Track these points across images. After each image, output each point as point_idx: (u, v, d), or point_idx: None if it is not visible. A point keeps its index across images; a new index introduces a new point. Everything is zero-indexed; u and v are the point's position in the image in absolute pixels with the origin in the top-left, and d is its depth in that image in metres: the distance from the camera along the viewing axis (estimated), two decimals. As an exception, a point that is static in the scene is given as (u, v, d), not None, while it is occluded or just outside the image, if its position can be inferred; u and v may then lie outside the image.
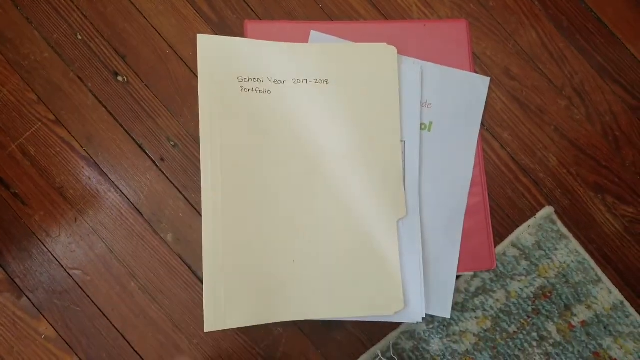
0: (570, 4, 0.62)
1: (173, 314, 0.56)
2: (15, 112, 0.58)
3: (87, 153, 0.58)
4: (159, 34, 0.59)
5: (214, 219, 0.53)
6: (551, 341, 0.58)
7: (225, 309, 0.51)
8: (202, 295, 0.53)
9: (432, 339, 0.58)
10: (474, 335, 0.58)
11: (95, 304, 0.56)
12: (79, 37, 0.59)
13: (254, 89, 0.56)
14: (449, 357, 0.58)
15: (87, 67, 0.59)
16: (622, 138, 0.61)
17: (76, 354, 0.55)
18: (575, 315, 0.59)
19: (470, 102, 0.60)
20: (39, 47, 0.59)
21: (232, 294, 0.52)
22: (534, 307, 0.59)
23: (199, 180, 0.55)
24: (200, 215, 0.54)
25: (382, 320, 0.55)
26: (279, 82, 0.56)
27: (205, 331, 0.51)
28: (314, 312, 0.53)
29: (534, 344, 0.58)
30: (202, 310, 0.52)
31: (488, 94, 0.60)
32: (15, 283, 0.56)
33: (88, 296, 0.56)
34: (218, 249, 0.52)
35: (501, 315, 0.59)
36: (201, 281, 0.56)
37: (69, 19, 0.59)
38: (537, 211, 0.60)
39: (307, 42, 0.58)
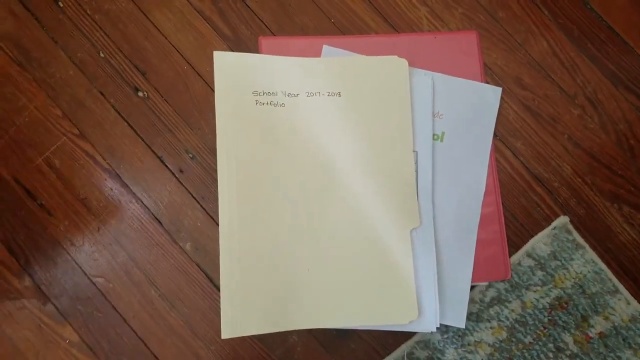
0: (580, 13, 0.62)
1: (191, 321, 0.58)
2: (42, 127, 0.60)
3: (110, 166, 0.60)
4: (177, 50, 0.62)
5: (230, 229, 0.54)
6: (568, 352, 0.58)
7: (241, 316, 0.52)
8: (219, 302, 0.55)
9: (447, 348, 0.58)
10: (489, 345, 0.58)
11: (117, 310, 0.58)
12: (102, 55, 0.62)
13: (269, 102, 0.57)
14: (464, 367, 0.58)
15: (109, 84, 0.61)
16: (637, 146, 0.61)
17: (98, 359, 0.57)
18: (593, 327, 0.58)
19: (482, 112, 0.60)
20: (64, 66, 0.61)
21: (248, 301, 0.53)
22: (550, 317, 0.58)
23: (216, 191, 0.57)
24: (218, 225, 0.56)
25: (396, 330, 0.55)
26: (293, 95, 0.58)
27: (222, 338, 0.52)
28: (328, 321, 0.54)
29: (550, 355, 0.58)
30: (220, 318, 0.53)
31: (500, 103, 0.61)
32: (41, 290, 0.58)
33: (110, 303, 0.58)
34: (234, 257, 0.54)
35: (517, 326, 0.58)
36: (219, 289, 0.57)
37: (92, 38, 0.62)
38: (552, 221, 0.60)
39: (319, 57, 0.60)
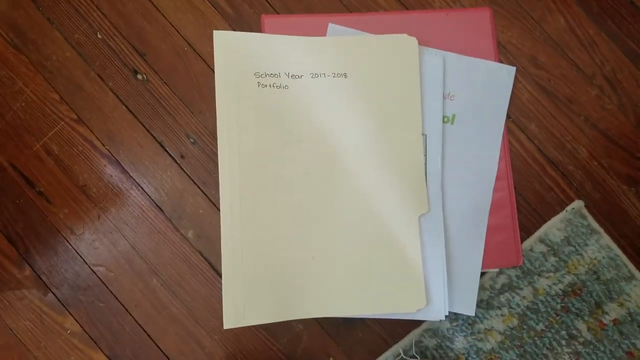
0: (601, -12, 0.59)
1: (194, 310, 0.56)
2: (39, 112, 0.59)
3: (109, 151, 0.58)
4: (177, 30, 0.59)
5: (232, 216, 0.53)
6: (581, 340, 0.56)
7: (244, 306, 0.51)
8: (222, 291, 0.53)
9: (456, 337, 0.56)
10: (500, 333, 0.57)
11: (118, 299, 0.57)
12: (99, 36, 0.59)
13: (271, 84, 0.55)
14: (474, 356, 0.56)
15: (108, 66, 0.59)
16: (658, 128, 0.58)
17: (100, 349, 0.56)
18: (607, 313, 0.57)
19: (495, 93, 0.58)
20: (60, 47, 0.59)
21: (251, 290, 0.52)
22: (562, 304, 0.57)
23: (218, 177, 0.55)
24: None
25: (404, 318, 0.54)
26: (297, 76, 0.55)
27: (224, 328, 0.51)
28: (334, 310, 0.53)
29: (563, 342, 0.56)
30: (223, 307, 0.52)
31: (514, 84, 0.58)
32: (42, 279, 0.57)
33: (111, 292, 0.57)
34: (236, 245, 0.52)
35: (528, 313, 0.57)
36: (222, 277, 0.56)
37: (89, 18, 0.60)
38: (566, 205, 0.58)
39: (324, 36, 0.57)
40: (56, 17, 0.60)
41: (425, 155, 0.56)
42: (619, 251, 0.57)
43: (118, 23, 0.60)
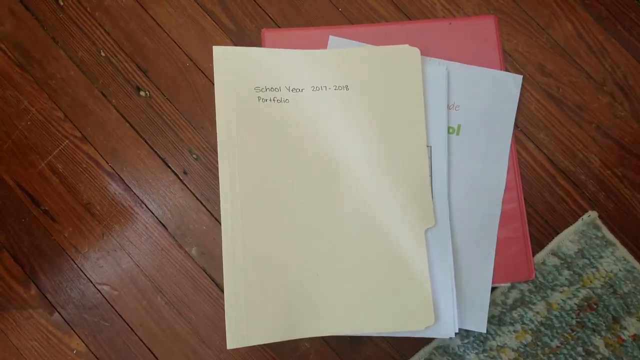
0: (609, -8, 0.58)
1: (199, 328, 0.56)
2: (44, 130, 0.59)
3: (113, 169, 0.58)
4: (179, 46, 0.59)
5: (234, 233, 0.52)
6: (599, 357, 0.54)
7: (247, 325, 0.50)
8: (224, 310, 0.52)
9: (468, 354, 0.55)
10: (513, 350, 0.55)
11: (123, 319, 0.56)
12: (102, 54, 0.60)
13: (272, 98, 0.54)
14: (486, 374, 0.55)
15: (111, 84, 0.59)
16: (673, 135, 0.56)
17: (105, 370, 0.56)
18: (625, 329, 0.54)
19: (502, 102, 0.56)
20: (64, 66, 0.60)
21: (254, 309, 0.51)
22: (578, 319, 0.55)
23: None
24: (224, 228, 0.54)
25: (413, 336, 0.52)
26: (297, 90, 0.55)
27: (228, 348, 0.50)
28: (339, 328, 0.51)
29: (580, 359, 0.54)
30: (227, 325, 0.51)
31: (521, 92, 0.57)
32: (47, 298, 0.57)
33: (116, 311, 0.56)
34: (238, 263, 0.51)
35: (542, 329, 0.55)
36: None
37: (92, 36, 0.60)
38: (579, 216, 0.56)
39: (325, 48, 0.57)
40: (60, 36, 0.60)
41: (431, 168, 0.54)
42: (636, 263, 0.55)
43: (121, 40, 0.60)
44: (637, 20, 0.57)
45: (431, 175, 0.54)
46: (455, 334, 0.52)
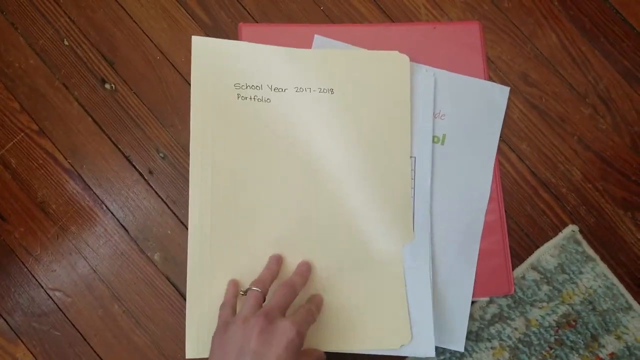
0: (593, 4, 0.57)
1: (159, 340, 0.52)
2: (-3, 121, 0.54)
3: (72, 166, 0.54)
4: (150, 38, 0.56)
5: (202, 238, 0.49)
6: (577, 375, 0.53)
7: (209, 334, 0.46)
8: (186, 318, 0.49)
9: (444, 371, 0.52)
10: (490, 367, 0.53)
11: (76, 328, 0.52)
12: (66, 43, 0.56)
13: (252, 96, 0.52)
14: (462, 392, 0.52)
15: (74, 75, 0.55)
16: (654, 150, 0.55)
17: (53, 384, 0.51)
18: (604, 347, 0.53)
19: (488, 113, 0.55)
20: (23, 54, 0.55)
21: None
22: (556, 337, 0.53)
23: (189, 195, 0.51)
24: (190, 233, 0.50)
25: (390, 354, 0.50)
26: (280, 90, 0.52)
27: (186, 358, 0.46)
28: (311, 345, 0.48)
29: (557, 378, 0.53)
30: (189, 336, 0.48)
31: (505, 102, 0.55)
32: (-9, 305, 0.52)
33: (69, 320, 0.52)
34: (204, 270, 0.48)
35: (520, 346, 0.53)
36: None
37: (56, 24, 0.56)
38: (560, 230, 0.55)
39: (308, 47, 0.54)
40: (20, 22, 0.56)
41: (414, 179, 0.52)
42: (615, 280, 0.54)
43: (87, 29, 0.56)
44: (620, 34, 0.57)
45: (414, 188, 0.52)
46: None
